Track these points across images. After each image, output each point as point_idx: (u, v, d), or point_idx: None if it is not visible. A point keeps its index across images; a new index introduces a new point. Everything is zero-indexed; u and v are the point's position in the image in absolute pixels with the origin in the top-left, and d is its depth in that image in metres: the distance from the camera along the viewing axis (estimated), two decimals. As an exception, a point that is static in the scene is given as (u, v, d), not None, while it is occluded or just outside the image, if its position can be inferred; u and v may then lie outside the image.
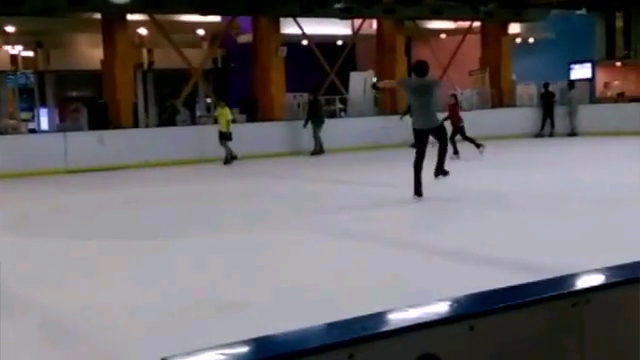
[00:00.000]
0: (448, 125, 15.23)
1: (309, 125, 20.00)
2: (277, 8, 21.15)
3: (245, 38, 23.61)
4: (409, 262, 7.05)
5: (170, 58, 22.24)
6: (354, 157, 19.06)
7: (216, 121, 18.64)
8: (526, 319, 2.11)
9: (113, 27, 19.49)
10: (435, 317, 1.97)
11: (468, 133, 17.40)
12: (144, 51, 24.45)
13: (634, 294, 2.30)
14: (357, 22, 25.20)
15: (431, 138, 10.78)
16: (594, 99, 25.77)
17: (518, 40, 28.57)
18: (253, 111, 21.70)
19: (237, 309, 5.53)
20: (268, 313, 5.31)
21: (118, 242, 8.69)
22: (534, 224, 8.81)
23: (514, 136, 22.84)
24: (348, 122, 22.40)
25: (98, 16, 19.97)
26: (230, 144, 18.10)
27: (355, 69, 26.05)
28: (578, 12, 25.62)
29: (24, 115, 25.03)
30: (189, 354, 1.71)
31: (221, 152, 18.20)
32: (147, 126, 22.43)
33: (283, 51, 21.54)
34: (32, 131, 22.89)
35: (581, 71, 26.52)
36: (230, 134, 18.08)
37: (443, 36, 28.21)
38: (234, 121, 18.59)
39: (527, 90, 25.74)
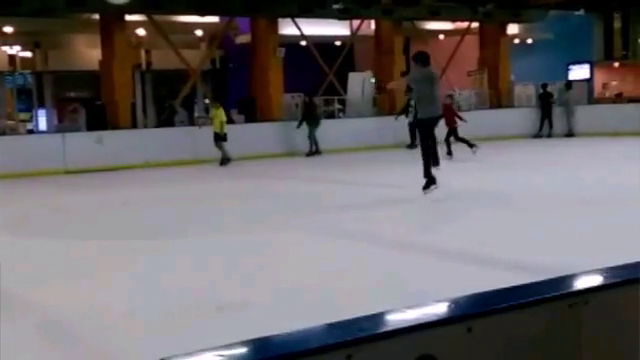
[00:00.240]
0: (443, 126, 15.24)
1: (304, 126, 19.99)
2: (275, 9, 21.16)
3: (243, 39, 23.60)
4: (409, 262, 7.07)
5: (168, 59, 22.23)
6: (352, 158, 19.05)
7: (211, 122, 18.63)
8: (524, 320, 2.12)
9: (111, 28, 19.49)
10: (433, 318, 1.98)
11: (467, 133, 17.41)
12: (142, 52, 24.45)
13: (633, 295, 2.30)
14: (355, 23, 25.20)
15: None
16: (592, 100, 25.77)
17: (516, 41, 28.58)
18: (251, 112, 21.70)
19: (237, 309, 5.55)
20: (268, 313, 5.33)
21: (118, 242, 8.70)
22: (534, 224, 8.82)
23: (512, 137, 22.84)
24: (346, 123, 22.40)
25: (96, 16, 19.96)
26: (226, 145, 18.09)
27: (353, 70, 26.03)
28: (576, 13, 25.67)
29: (22, 116, 24.99)
30: (189, 355, 1.72)
31: (219, 153, 18.19)
32: (145, 127, 22.42)
33: (281, 52, 21.54)
34: (30, 132, 22.85)
35: (579, 72, 26.53)
36: (225, 135, 18.06)
37: (441, 37, 28.21)
38: (232, 122, 18.54)
39: (525, 91, 25.74)
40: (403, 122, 19.89)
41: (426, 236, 8.68)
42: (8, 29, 22.22)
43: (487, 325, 2.03)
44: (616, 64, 28.68)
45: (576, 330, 2.20)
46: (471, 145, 17.15)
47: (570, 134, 23.30)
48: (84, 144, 18.07)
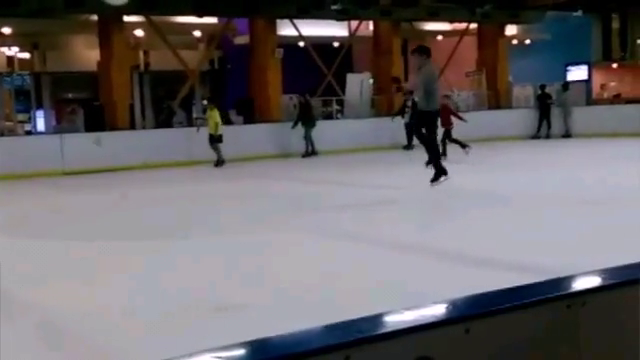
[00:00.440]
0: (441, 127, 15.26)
1: (299, 127, 19.98)
2: (274, 9, 21.16)
3: (242, 40, 23.60)
4: (408, 263, 7.08)
5: (166, 60, 22.22)
6: (350, 159, 19.06)
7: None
8: (522, 321, 2.12)
9: (109, 29, 19.49)
10: (431, 319, 1.99)
11: (465, 134, 17.41)
12: (140, 53, 24.43)
13: (632, 296, 2.30)
14: (354, 24, 25.20)
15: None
16: (590, 101, 25.79)
17: (515, 42, 28.58)
18: (250, 113, 21.70)
19: (237, 310, 5.55)
20: (268, 314, 5.33)
21: (118, 243, 8.70)
22: (533, 225, 8.83)
23: (511, 137, 22.85)
24: (344, 124, 22.41)
25: (94, 17, 19.96)
26: (221, 147, 18.08)
27: (352, 71, 26.04)
28: (574, 14, 25.70)
29: (20, 117, 24.95)
30: (189, 356, 1.73)
31: (214, 155, 18.19)
32: (144, 128, 22.41)
33: (280, 53, 21.54)
34: (29, 133, 22.84)
35: (577, 73, 26.56)
36: (220, 136, 18.05)
37: (440, 38, 28.21)
38: (230, 123, 18.51)
39: (524, 92, 25.77)
40: (399, 123, 19.89)
41: (425, 237, 8.70)
42: (6, 30, 22.21)
43: (485, 326, 2.03)
44: (614, 65, 28.68)
45: (575, 331, 2.20)
46: (464, 146, 17.16)
47: (567, 135, 23.33)
48: (82, 145, 18.05)
